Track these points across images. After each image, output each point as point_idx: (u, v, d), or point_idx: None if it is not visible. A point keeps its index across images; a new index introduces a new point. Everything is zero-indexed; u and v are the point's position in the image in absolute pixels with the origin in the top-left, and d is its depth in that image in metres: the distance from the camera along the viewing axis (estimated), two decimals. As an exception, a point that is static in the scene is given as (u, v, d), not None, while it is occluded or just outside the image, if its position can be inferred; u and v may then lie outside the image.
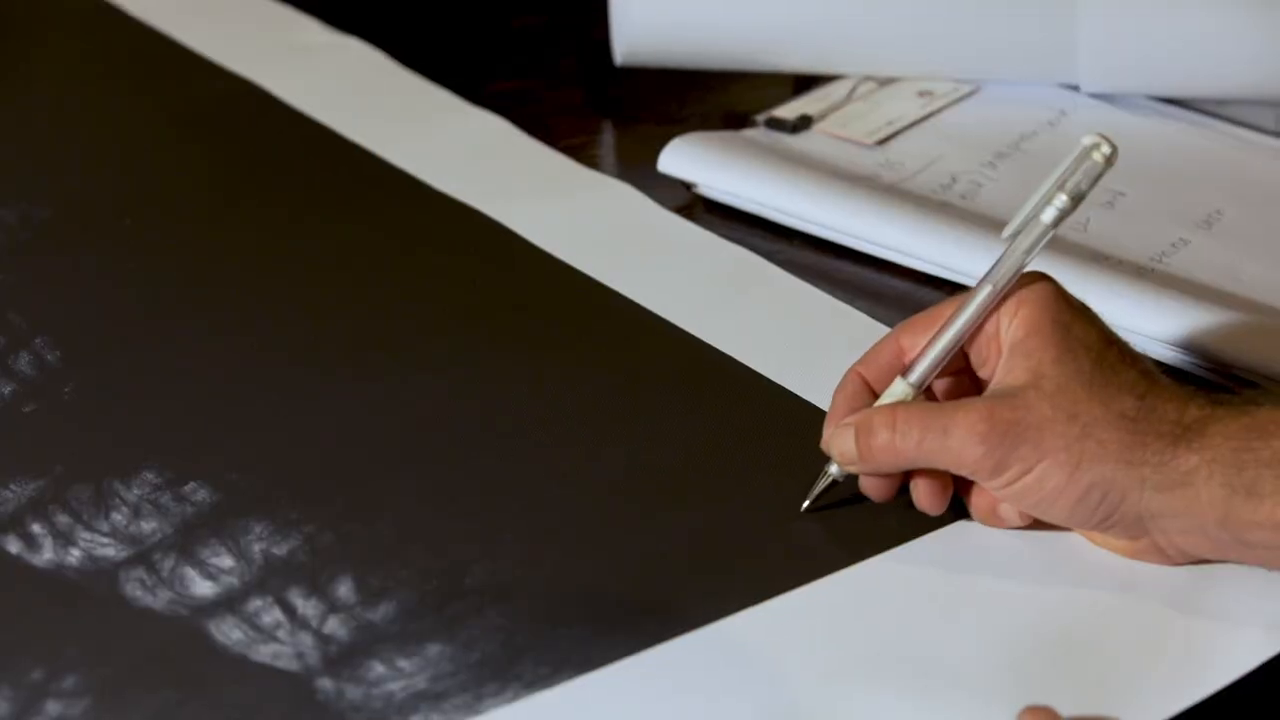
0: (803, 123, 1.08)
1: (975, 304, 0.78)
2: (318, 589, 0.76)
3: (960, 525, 0.80)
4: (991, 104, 1.10)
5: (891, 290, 0.97)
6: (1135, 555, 0.77)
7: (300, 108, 1.10)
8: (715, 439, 0.84)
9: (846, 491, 0.80)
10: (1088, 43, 1.08)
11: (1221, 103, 1.09)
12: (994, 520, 0.79)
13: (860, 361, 0.80)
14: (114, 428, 0.85)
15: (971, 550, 0.78)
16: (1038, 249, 0.78)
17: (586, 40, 1.20)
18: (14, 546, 0.78)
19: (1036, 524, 0.79)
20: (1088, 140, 0.78)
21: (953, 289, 0.97)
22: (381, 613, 0.75)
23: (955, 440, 0.75)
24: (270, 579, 0.76)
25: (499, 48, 1.22)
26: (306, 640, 0.73)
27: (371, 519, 0.80)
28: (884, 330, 0.87)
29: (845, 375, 0.80)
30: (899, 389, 0.79)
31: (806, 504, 0.80)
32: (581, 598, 0.75)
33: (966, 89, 1.11)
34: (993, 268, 0.78)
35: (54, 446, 0.84)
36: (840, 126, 1.08)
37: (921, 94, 1.10)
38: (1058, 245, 0.97)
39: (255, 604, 0.75)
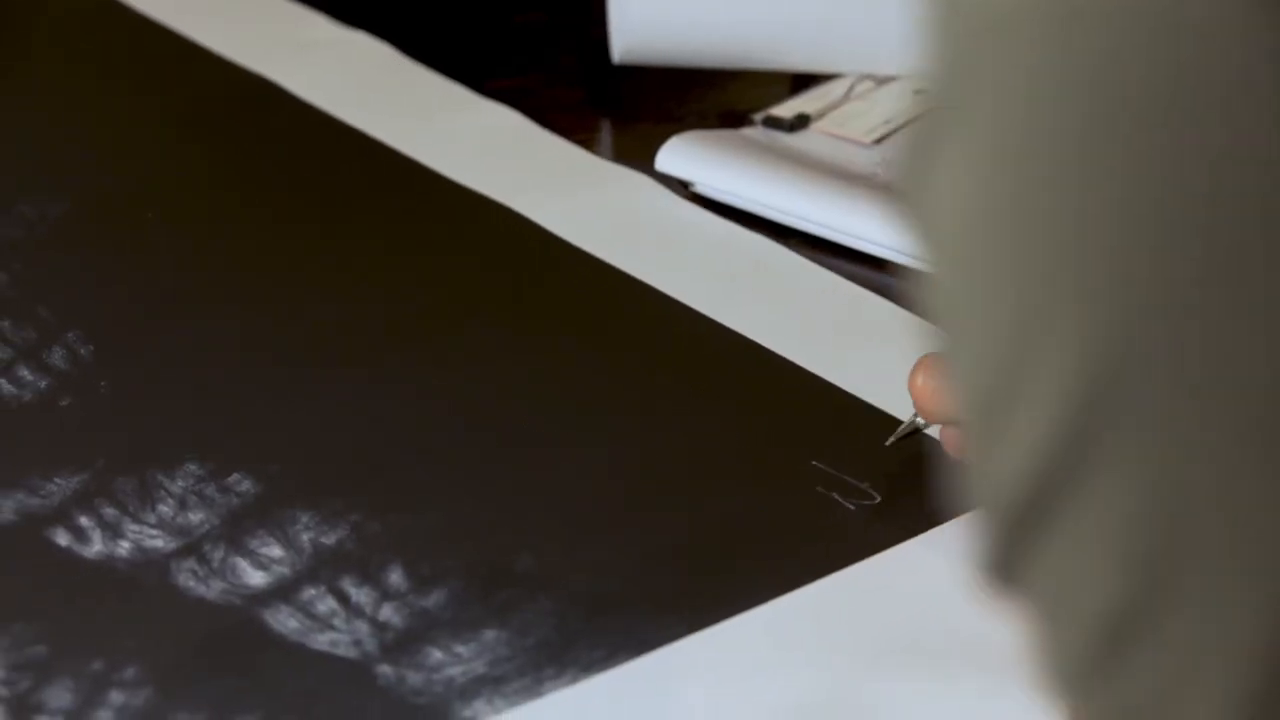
0: (800, 121, 1.09)
1: None
2: (369, 577, 0.77)
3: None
4: (990, 103, 1.12)
5: (891, 290, 0.98)
6: None
7: (314, 102, 1.12)
8: (752, 424, 0.86)
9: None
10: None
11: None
12: None
13: None
14: (152, 420, 0.86)
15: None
16: None
17: (585, 38, 1.21)
18: (63, 539, 0.79)
19: None
20: None
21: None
22: (434, 600, 0.76)
23: None
24: (321, 568, 0.78)
25: (499, 45, 1.23)
26: (363, 628, 0.75)
27: (417, 508, 0.81)
28: (914, 317, 0.89)
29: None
30: None
31: (891, 439, 0.82)
32: (630, 582, 0.77)
33: (964, 88, 1.13)
34: None
35: (94, 440, 0.85)
36: (838, 125, 1.09)
37: (919, 92, 1.12)
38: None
39: (309, 593, 0.76)
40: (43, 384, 0.88)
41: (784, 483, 0.83)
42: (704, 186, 1.04)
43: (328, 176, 1.06)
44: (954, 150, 0.48)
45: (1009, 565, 0.49)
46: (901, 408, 0.85)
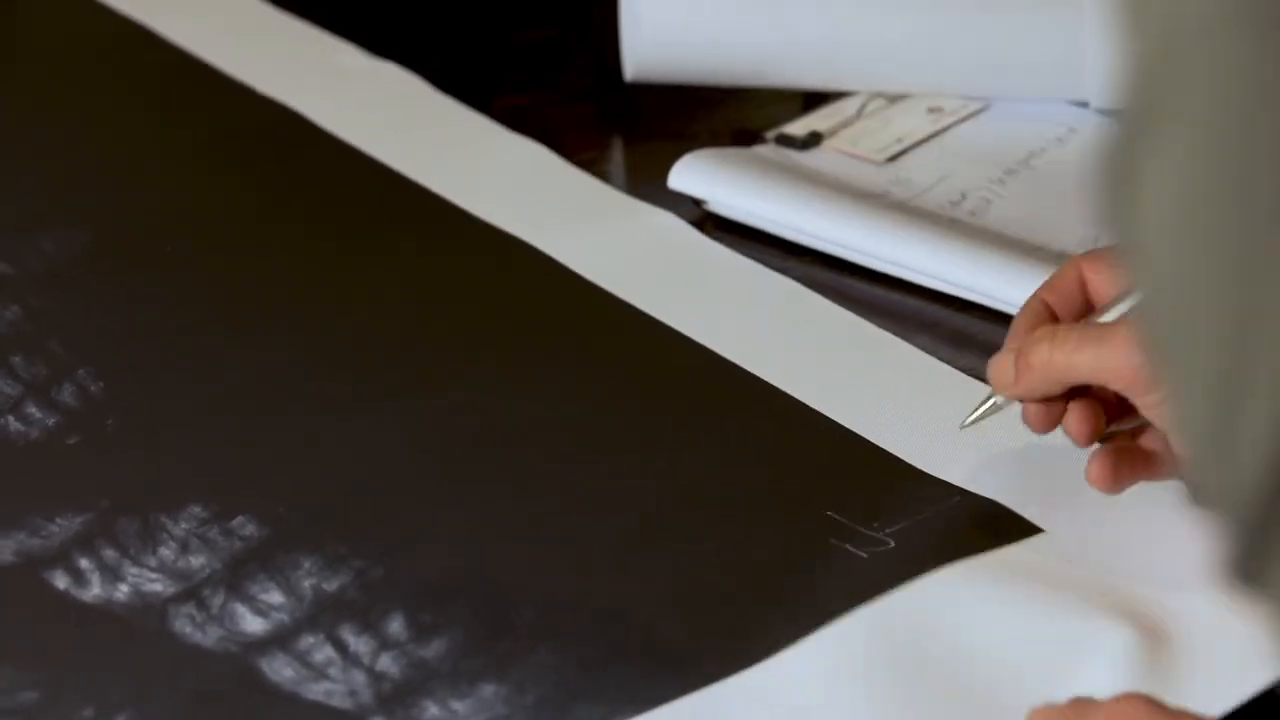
0: (812, 139, 1.05)
1: None
2: (369, 625, 0.72)
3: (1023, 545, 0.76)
4: (1001, 120, 1.06)
5: (901, 307, 0.94)
6: None
7: (339, 134, 1.06)
8: (764, 470, 0.80)
9: (1006, 415, 0.77)
10: (1097, 59, 1.05)
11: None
12: (1068, 428, 0.75)
13: (1044, 287, 0.77)
14: (159, 460, 0.81)
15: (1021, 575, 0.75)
16: None
17: (597, 55, 1.16)
18: (61, 582, 0.74)
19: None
20: None
21: (963, 306, 0.93)
22: (434, 650, 0.71)
23: (1113, 347, 0.71)
24: (321, 615, 0.72)
25: (508, 61, 1.18)
26: (359, 678, 0.70)
27: (421, 553, 0.75)
28: (934, 362, 0.86)
29: (1028, 300, 0.77)
30: None
31: (967, 421, 0.77)
32: (633, 633, 0.71)
33: (976, 106, 1.07)
34: None
35: (99, 479, 0.80)
36: (850, 143, 1.04)
37: (931, 110, 1.07)
38: (1061, 260, 0.94)
39: (307, 641, 0.71)
40: (51, 421, 0.83)
41: (797, 533, 0.77)
42: (717, 205, 1.00)
43: (350, 212, 1.00)
44: (1163, 154, 0.45)
45: (1249, 569, 0.48)
46: (921, 457, 0.81)
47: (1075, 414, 0.74)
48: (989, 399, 0.77)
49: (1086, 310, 0.77)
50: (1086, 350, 0.72)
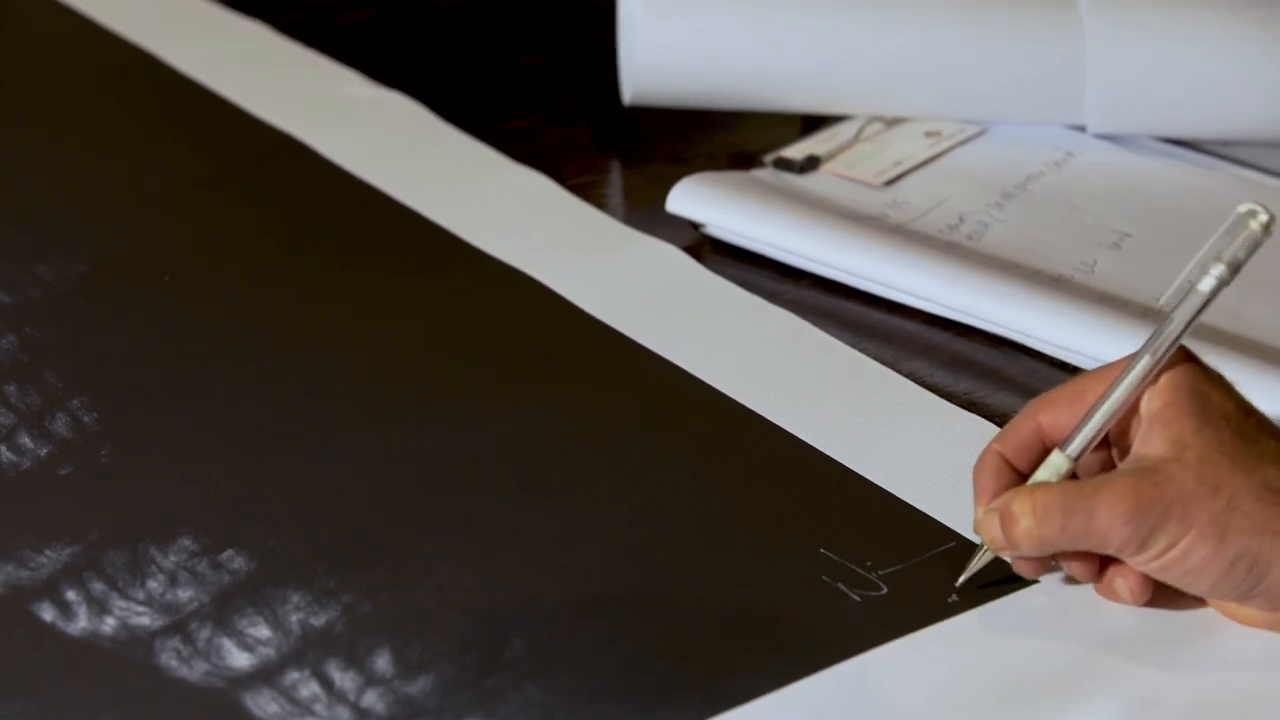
0: (810, 163, 1.01)
1: (1134, 374, 0.70)
2: (356, 661, 0.68)
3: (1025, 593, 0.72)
4: (999, 144, 1.03)
5: (899, 331, 0.91)
6: (1271, 626, 0.70)
7: (343, 164, 1.02)
8: (756, 504, 0.77)
9: (1008, 569, 0.72)
10: (1095, 84, 1.02)
11: (1228, 144, 1.03)
12: (1110, 595, 0.72)
13: (997, 439, 0.73)
14: (151, 492, 0.77)
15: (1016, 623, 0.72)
16: (1196, 318, 0.70)
17: (594, 79, 1.13)
18: (48, 614, 0.71)
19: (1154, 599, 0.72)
20: (1243, 208, 0.70)
21: (962, 330, 0.90)
22: (420, 686, 0.67)
23: (1101, 522, 0.68)
24: (308, 651, 0.69)
25: (506, 85, 1.15)
26: (344, 714, 0.66)
27: (411, 587, 0.72)
28: (936, 400, 0.83)
29: (983, 454, 0.72)
30: (1056, 461, 0.71)
31: (961, 580, 0.72)
32: (622, 672, 0.68)
33: (974, 129, 1.04)
34: (1150, 339, 0.70)
35: (90, 511, 0.76)
36: (848, 167, 1.01)
37: (929, 134, 1.04)
38: (1067, 287, 0.91)
39: (292, 676, 0.68)
40: (43, 452, 0.80)
41: (789, 569, 0.73)
42: (714, 228, 0.97)
43: (350, 242, 0.97)
44: None
45: None
46: (916, 495, 0.77)
47: (1076, 567, 0.72)
48: (984, 554, 0.72)
49: (1045, 454, 0.72)
50: (1075, 525, 0.69)
